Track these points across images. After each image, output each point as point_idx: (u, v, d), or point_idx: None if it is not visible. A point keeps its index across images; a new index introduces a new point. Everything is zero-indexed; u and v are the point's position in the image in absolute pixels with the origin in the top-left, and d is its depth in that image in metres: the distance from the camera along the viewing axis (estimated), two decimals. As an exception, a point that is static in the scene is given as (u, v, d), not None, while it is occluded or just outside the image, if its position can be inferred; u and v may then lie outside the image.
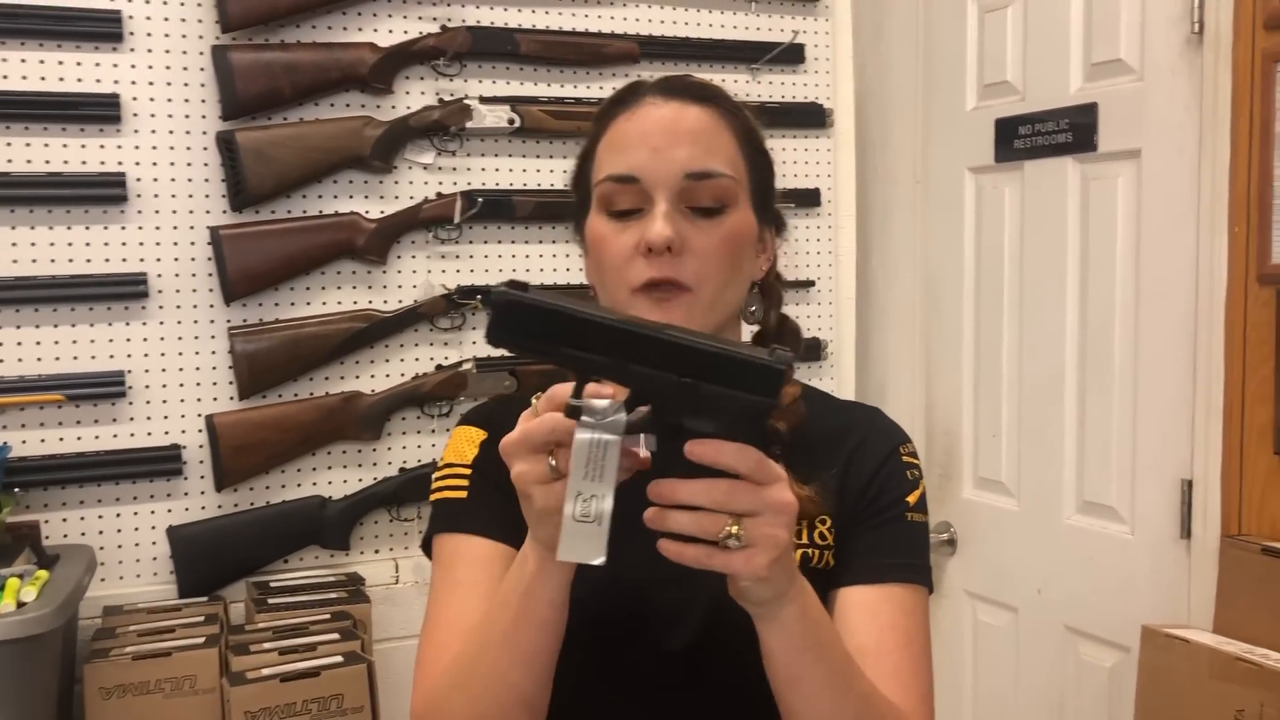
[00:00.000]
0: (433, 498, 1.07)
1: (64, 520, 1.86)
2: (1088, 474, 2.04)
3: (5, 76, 1.82)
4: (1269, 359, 1.71)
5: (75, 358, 1.87)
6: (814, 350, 2.39)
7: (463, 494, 1.04)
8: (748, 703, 0.95)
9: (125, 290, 1.89)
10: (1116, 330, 1.97)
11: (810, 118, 2.39)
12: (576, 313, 0.75)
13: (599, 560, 0.74)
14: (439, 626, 0.99)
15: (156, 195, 1.92)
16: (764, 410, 0.75)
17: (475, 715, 0.90)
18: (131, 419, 1.92)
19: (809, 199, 2.39)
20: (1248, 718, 1.55)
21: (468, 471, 1.06)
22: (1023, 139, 2.15)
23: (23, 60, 1.83)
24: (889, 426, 1.11)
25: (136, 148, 1.90)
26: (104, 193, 1.87)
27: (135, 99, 1.90)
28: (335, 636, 1.71)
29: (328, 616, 1.80)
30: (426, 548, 1.07)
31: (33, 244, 1.85)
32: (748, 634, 0.85)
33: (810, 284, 2.41)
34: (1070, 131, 2.05)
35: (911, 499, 1.06)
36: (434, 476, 1.08)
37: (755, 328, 1.12)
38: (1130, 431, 1.95)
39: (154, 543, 1.92)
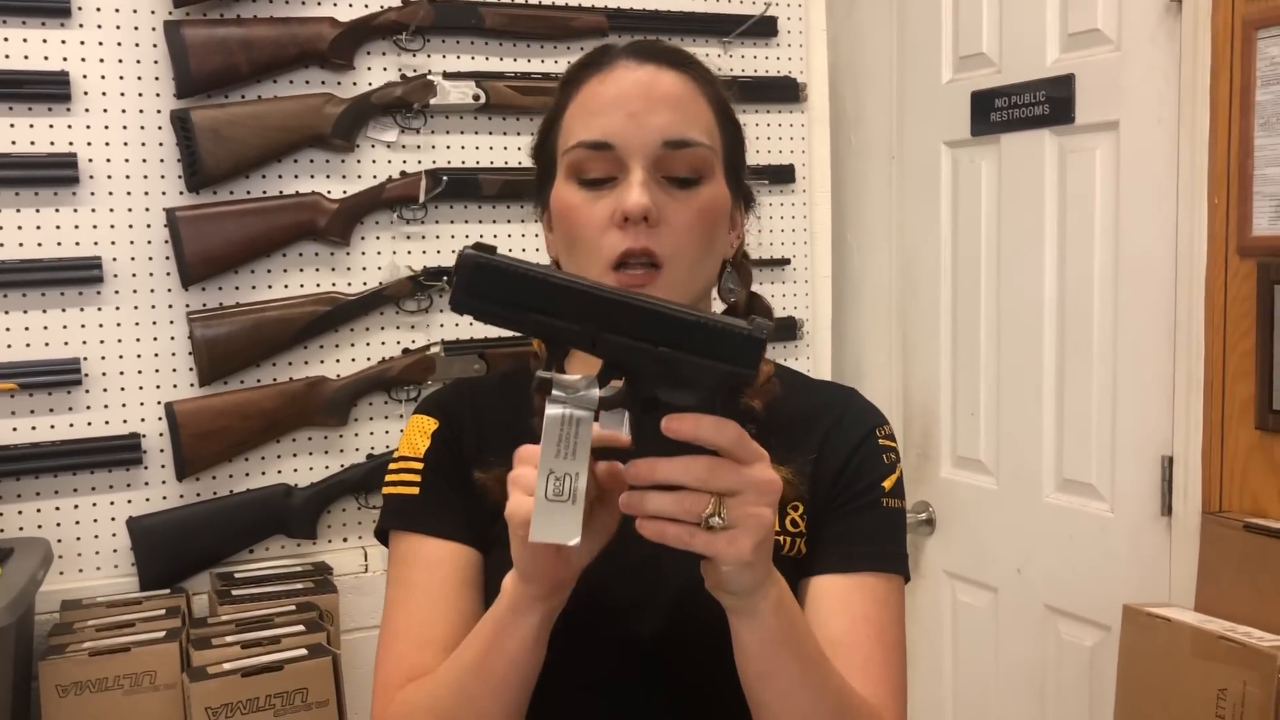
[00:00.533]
0: (384, 491, 1.05)
1: (19, 512, 1.81)
2: (1067, 452, 2.02)
3: (-52, 54, 1.76)
4: (1250, 332, 1.68)
5: (28, 345, 1.81)
6: (789, 329, 2.35)
7: (414, 490, 1.01)
8: (714, 694, 0.91)
9: (79, 275, 1.83)
10: (1095, 305, 1.94)
11: (783, 92, 2.34)
12: (548, 277, 0.71)
13: (574, 541, 0.71)
14: (396, 635, 0.96)
15: (110, 176, 1.86)
16: (743, 382, 0.72)
17: None
18: (88, 407, 1.86)
19: (783, 175, 2.35)
20: (1230, 697, 1.53)
21: (419, 466, 1.03)
22: (999, 112, 2.11)
23: (-34, 37, 1.77)
24: (865, 407, 1.07)
25: (88, 127, 1.84)
26: (54, 174, 1.80)
27: (85, 77, 1.83)
28: (300, 628, 1.67)
29: (293, 608, 1.75)
30: (381, 537, 1.05)
31: (-19, 228, 1.78)
32: (715, 626, 0.82)
33: (785, 262, 2.37)
34: (1047, 104, 2.01)
35: (887, 484, 1.02)
36: (388, 467, 1.05)
37: (724, 306, 1.08)
38: (1110, 408, 1.93)
39: (114, 534, 1.87)
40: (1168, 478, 1.82)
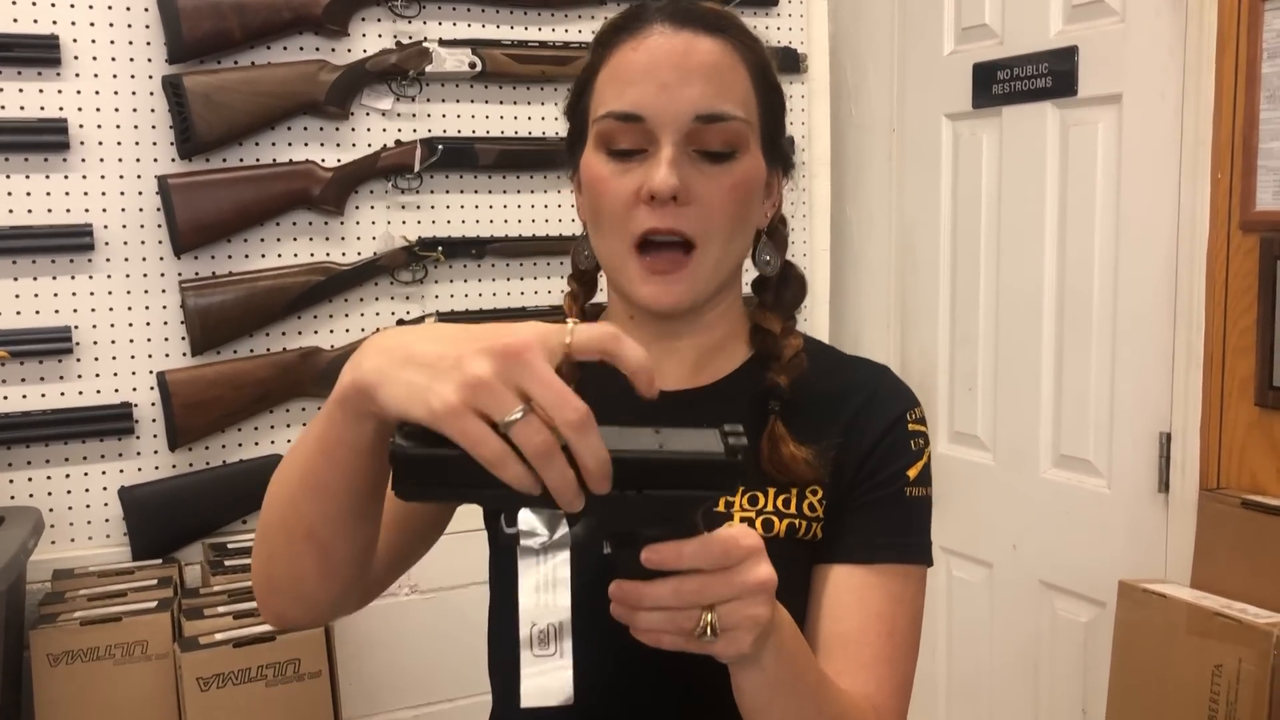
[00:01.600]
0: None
1: (10, 481, 1.79)
2: (1065, 427, 2.01)
3: (-64, 16, 1.73)
4: (1251, 308, 1.67)
5: (19, 313, 1.80)
6: (787, 303, 2.34)
7: None
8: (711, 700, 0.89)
9: (70, 242, 1.81)
10: (1095, 280, 1.93)
11: (784, 63, 2.31)
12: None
13: (566, 699, 0.67)
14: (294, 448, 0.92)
15: (100, 142, 1.83)
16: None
17: (266, 522, 0.83)
18: (80, 376, 1.84)
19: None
20: (1225, 673, 1.53)
21: None
22: (1001, 84, 2.09)
23: (-46, -1, 1.74)
24: (897, 388, 1.02)
25: (78, 92, 1.81)
26: (44, 139, 1.78)
27: (76, 40, 1.81)
28: (293, 599, 1.66)
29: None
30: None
31: (-30, 194, 1.76)
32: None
33: (783, 235, 2.34)
34: (1050, 76, 1.99)
35: (912, 472, 0.98)
36: None
37: (757, 275, 1.04)
38: (1108, 384, 1.91)
39: (105, 504, 1.86)
40: (1165, 454, 1.81)
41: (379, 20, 1.99)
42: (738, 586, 0.69)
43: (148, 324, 1.88)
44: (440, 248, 2.01)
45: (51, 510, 1.82)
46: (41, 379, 1.82)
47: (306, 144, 1.96)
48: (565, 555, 0.68)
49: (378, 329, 2.00)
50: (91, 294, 1.84)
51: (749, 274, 1.02)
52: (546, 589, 0.68)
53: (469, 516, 0.97)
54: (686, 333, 0.98)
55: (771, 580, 0.71)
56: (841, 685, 0.89)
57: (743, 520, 0.93)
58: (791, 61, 2.32)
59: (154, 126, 1.86)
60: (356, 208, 2.00)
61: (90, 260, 1.84)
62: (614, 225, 0.92)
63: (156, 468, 1.89)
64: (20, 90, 1.78)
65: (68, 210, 1.82)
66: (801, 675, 0.81)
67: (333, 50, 1.97)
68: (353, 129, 1.99)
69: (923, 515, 0.98)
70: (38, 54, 1.77)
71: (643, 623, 0.70)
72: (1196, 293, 1.74)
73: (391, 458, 0.64)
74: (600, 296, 1.05)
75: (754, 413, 0.96)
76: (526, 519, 0.68)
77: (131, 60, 1.84)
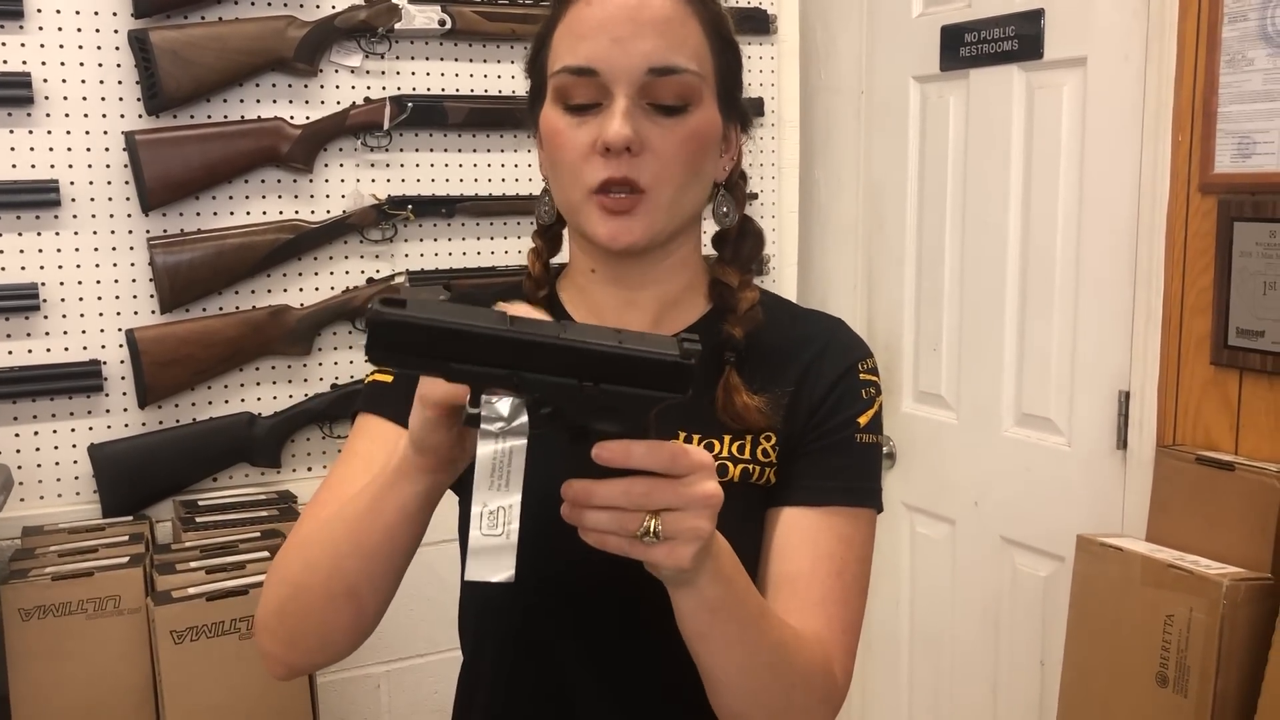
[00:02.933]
0: (367, 379, 1.05)
1: (-22, 439, 1.79)
2: (1027, 386, 2.04)
3: (-105, -33, 1.70)
4: (1209, 269, 1.70)
5: (-16, 269, 1.79)
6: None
7: (389, 378, 1.01)
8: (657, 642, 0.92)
9: (36, 198, 1.79)
10: (1058, 242, 1.96)
11: (753, 24, 2.32)
12: (462, 326, 0.69)
13: (507, 577, 0.70)
14: (325, 487, 0.98)
15: (66, 98, 1.82)
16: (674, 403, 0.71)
17: (302, 582, 0.90)
18: (47, 333, 1.84)
19: (752, 109, 2.33)
20: (1177, 622, 1.57)
21: None
22: (969, 46, 2.11)
23: (-86, -50, 1.71)
24: (850, 340, 1.06)
25: (42, 46, 1.79)
26: (8, 94, 1.76)
27: (39, -7, 1.79)
28: (265, 555, 1.67)
29: (257, 535, 1.75)
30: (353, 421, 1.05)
31: (-67, 148, 1.74)
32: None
33: (753, 196, 2.33)
34: (1016, 39, 2.01)
35: (863, 419, 1.01)
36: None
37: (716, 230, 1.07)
38: (1070, 344, 1.95)
39: (75, 461, 1.86)
40: (1124, 412, 1.85)
41: (348, -24, 1.98)
42: (684, 496, 0.72)
43: (116, 281, 1.87)
44: (410, 206, 2.02)
45: (20, 468, 1.81)
46: (9, 336, 1.81)
47: (275, 101, 1.95)
48: (522, 442, 0.71)
49: (348, 288, 2.01)
50: (59, 250, 1.83)
51: (710, 230, 1.05)
52: (500, 472, 0.71)
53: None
54: (646, 284, 1.01)
55: (717, 496, 0.75)
56: (791, 622, 0.92)
57: None
58: (761, 23, 2.33)
59: (120, 82, 1.85)
60: (325, 165, 2.00)
61: (57, 217, 1.82)
62: (571, 176, 0.94)
63: (126, 425, 1.89)
64: (-17, 43, 1.76)
65: (33, 166, 1.80)
66: (741, 602, 0.83)
67: (301, 6, 1.95)
68: (321, 86, 1.98)
69: (873, 461, 1.02)
70: (1, 6, 1.75)
71: (589, 521, 0.73)
72: (1156, 254, 1.77)
73: (368, 321, 0.68)
74: (563, 257, 1.07)
75: (712, 363, 0.99)
76: (489, 402, 0.70)
77: (96, 14, 1.82)
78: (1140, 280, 1.80)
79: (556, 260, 1.08)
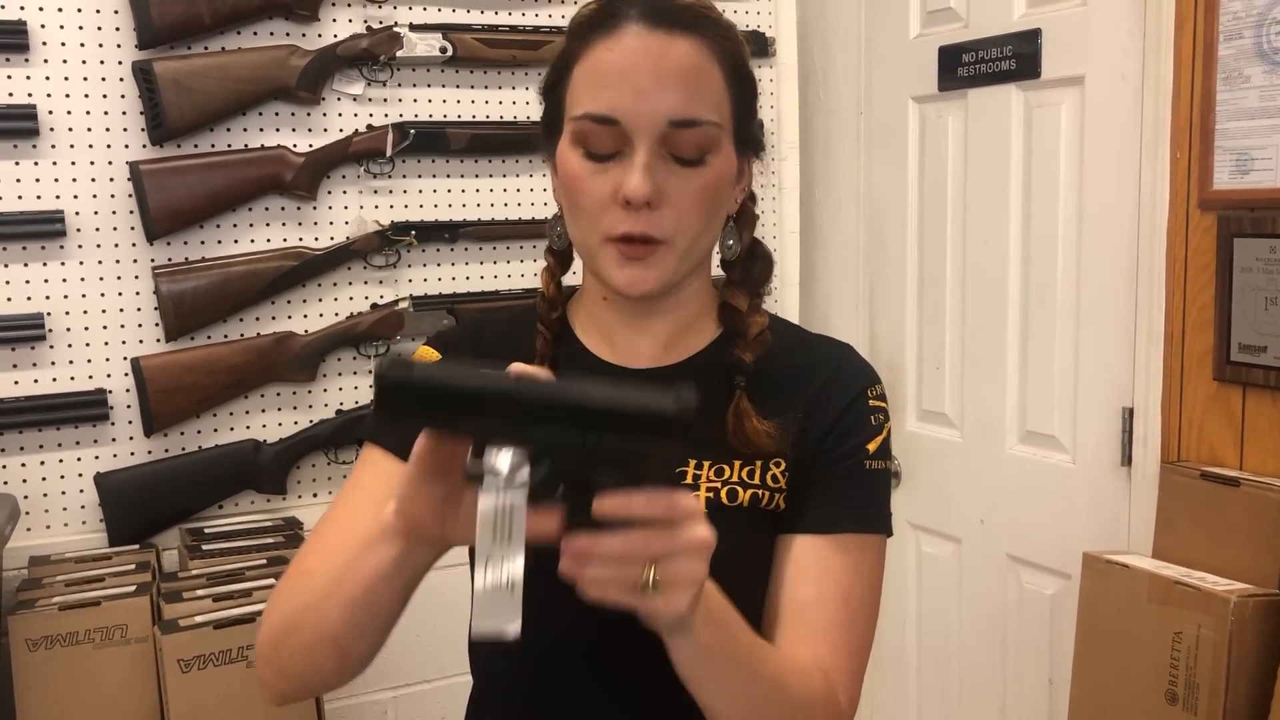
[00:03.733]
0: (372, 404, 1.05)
1: (-16, 469, 1.80)
2: (1030, 404, 2.05)
3: (-98, 2, 1.72)
4: (1209, 285, 1.71)
5: (-10, 300, 1.80)
6: (758, 284, 2.36)
7: None
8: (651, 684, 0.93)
9: (41, 229, 1.80)
10: (1059, 259, 1.97)
11: (752, 47, 2.32)
12: (464, 385, 0.70)
13: (513, 631, 0.71)
14: (327, 522, 0.99)
15: (71, 129, 1.83)
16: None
17: (286, 625, 0.92)
18: (53, 363, 1.84)
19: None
20: (1185, 640, 1.57)
21: None
22: (966, 67, 2.12)
23: (-80, -15, 1.73)
24: (859, 366, 1.05)
25: (47, 78, 1.81)
26: (14, 125, 1.78)
27: (44, 26, 1.80)
28: (271, 581, 1.67)
29: (264, 562, 1.76)
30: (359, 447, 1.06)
31: (-61, 181, 1.76)
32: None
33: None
34: (1014, 59, 2.02)
35: (872, 446, 1.01)
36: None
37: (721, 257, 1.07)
38: (1072, 360, 1.95)
39: (81, 490, 1.86)
40: (1128, 428, 1.85)
41: (349, 5, 2.00)
42: (680, 542, 0.73)
43: (121, 310, 1.88)
44: (413, 232, 2.03)
45: (27, 497, 1.82)
46: (15, 366, 1.82)
47: (278, 129, 1.97)
48: (523, 496, 0.71)
49: (352, 314, 2.01)
50: (64, 280, 1.84)
51: (719, 253, 1.05)
52: (502, 526, 0.71)
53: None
54: (658, 313, 1.01)
55: (711, 541, 0.75)
56: (798, 651, 0.93)
57: (708, 491, 0.97)
58: (760, 46, 2.34)
59: (124, 112, 1.86)
60: (329, 192, 2.01)
61: (62, 247, 1.83)
62: (590, 222, 0.94)
63: (132, 453, 1.89)
64: (-11, 76, 1.77)
65: (38, 197, 1.82)
66: (733, 640, 0.84)
67: (303, 35, 1.97)
68: (324, 114, 2.00)
69: (882, 487, 1.02)
70: (6, 40, 1.77)
71: (591, 576, 0.73)
72: (1156, 270, 1.78)
73: (375, 383, 0.70)
74: (574, 279, 1.08)
75: (722, 388, 0.99)
76: (490, 456, 0.71)
77: (101, 46, 1.84)
78: (1142, 296, 1.81)
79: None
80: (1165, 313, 1.77)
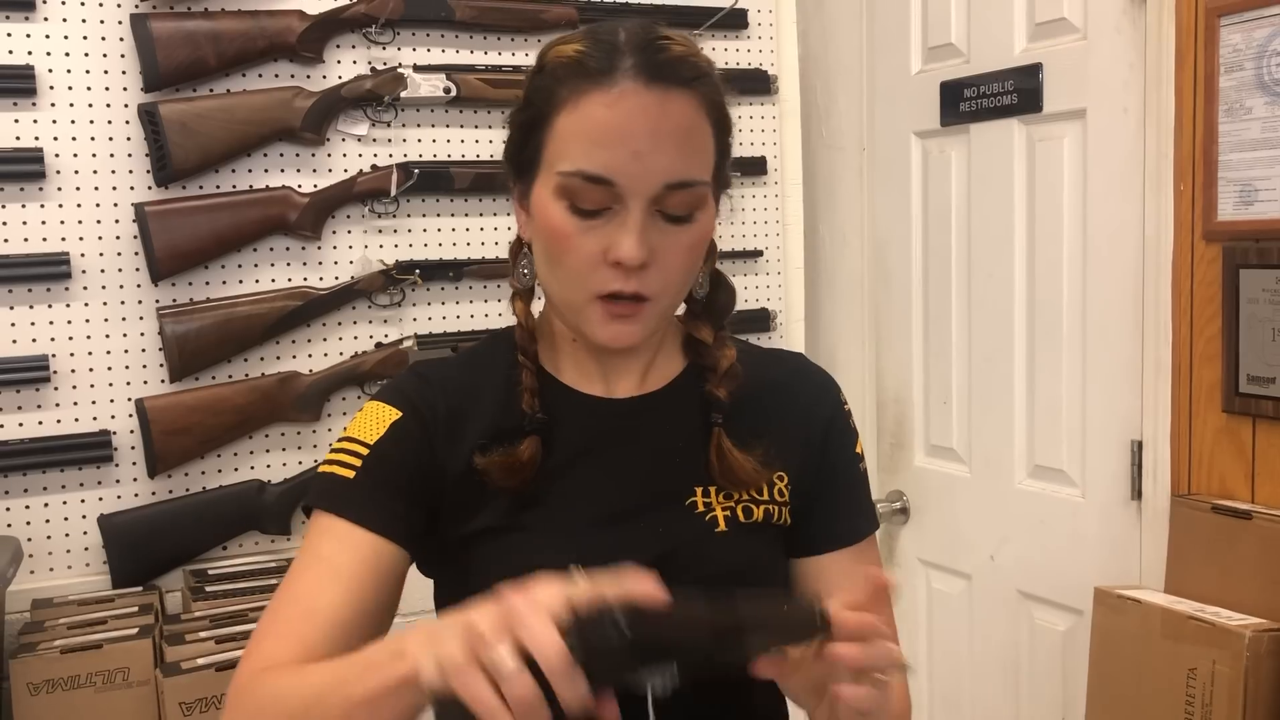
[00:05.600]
0: (320, 468, 0.99)
1: (-12, 511, 1.79)
2: (1038, 438, 2.03)
3: (-90, 48, 1.74)
4: (1216, 317, 1.70)
5: (-5, 342, 1.80)
6: (763, 320, 2.36)
7: (350, 473, 0.95)
8: None
9: (47, 271, 1.81)
10: (1065, 293, 1.96)
11: (754, 84, 2.35)
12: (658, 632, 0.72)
13: None
14: (287, 601, 0.91)
15: (77, 171, 1.84)
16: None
17: None
18: (58, 404, 1.84)
19: (755, 167, 2.36)
20: (1200, 676, 1.55)
21: (365, 452, 0.96)
22: (968, 101, 2.13)
23: (-71, 31, 1.75)
24: (823, 377, 1.11)
25: (54, 121, 1.83)
26: (21, 169, 1.79)
27: (51, 70, 1.82)
28: (275, 623, 1.66)
29: (267, 604, 1.74)
30: (307, 512, 0.98)
31: (-54, 224, 1.77)
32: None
33: (758, 254, 2.37)
34: (1015, 93, 2.03)
35: (858, 449, 1.08)
36: (332, 444, 1.00)
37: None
38: (1080, 394, 1.94)
39: (85, 532, 1.85)
40: (1137, 462, 1.83)
41: (354, 47, 2.01)
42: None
43: (126, 351, 1.88)
44: (418, 270, 2.03)
45: (30, 540, 1.81)
46: (19, 408, 1.82)
47: (283, 170, 1.98)
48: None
49: (356, 353, 2.01)
50: (69, 322, 1.85)
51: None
52: None
53: (451, 531, 0.98)
54: (629, 352, 1.01)
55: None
56: None
57: (724, 512, 0.99)
58: (762, 83, 2.36)
59: (130, 155, 1.87)
60: (334, 232, 2.02)
61: (67, 289, 1.84)
62: (576, 280, 0.93)
63: (136, 495, 1.89)
64: (-4, 120, 1.79)
65: (44, 239, 1.83)
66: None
67: (308, 77, 1.98)
68: (329, 155, 2.01)
69: (868, 484, 1.10)
70: (14, 84, 1.78)
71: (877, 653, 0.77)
72: (1163, 303, 1.77)
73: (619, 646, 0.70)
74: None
75: (699, 423, 1.01)
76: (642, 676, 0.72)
77: (107, 89, 1.86)
78: (1148, 329, 1.80)
79: None
80: (1172, 345, 1.76)
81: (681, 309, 1.07)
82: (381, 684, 0.76)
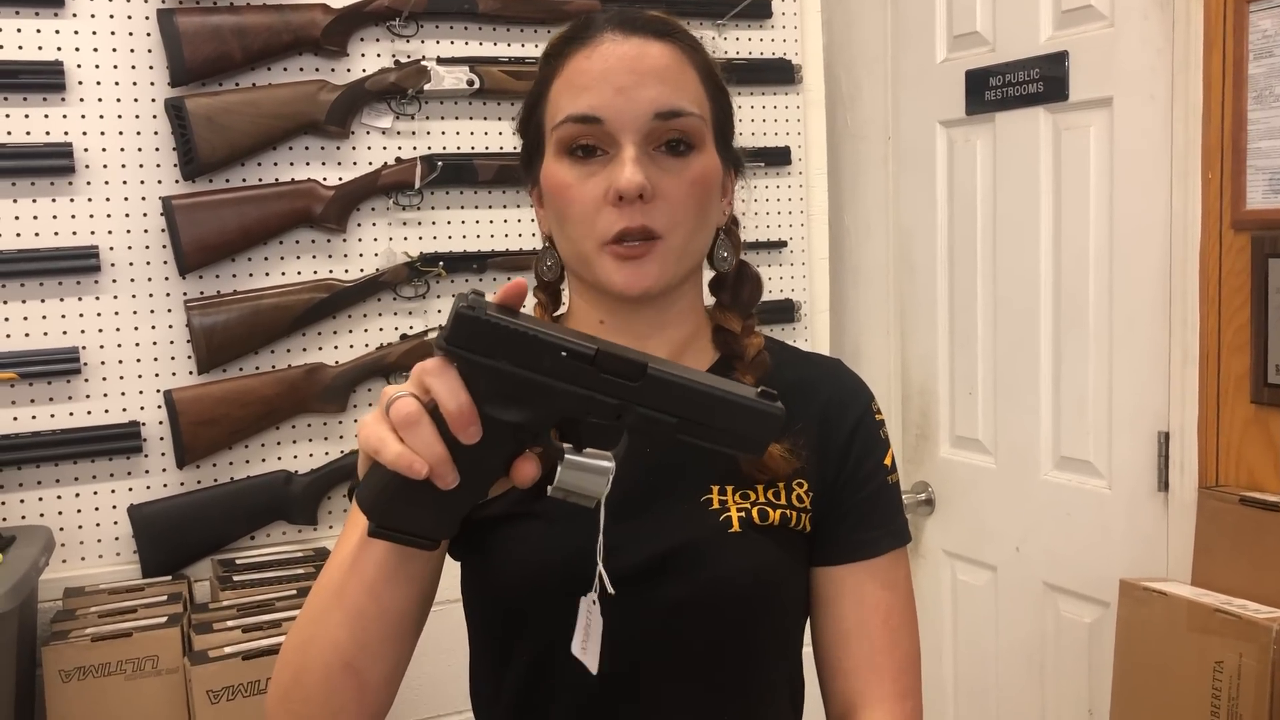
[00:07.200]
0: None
1: (21, 501, 1.82)
2: (1064, 429, 2.02)
3: (-58, 45, 1.76)
4: (1244, 306, 1.68)
5: (27, 334, 1.82)
6: (787, 311, 2.36)
7: None
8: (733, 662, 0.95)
9: (76, 264, 1.83)
10: (1091, 282, 1.95)
11: (778, 74, 2.34)
12: (556, 340, 0.72)
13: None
14: (330, 565, 0.95)
15: (105, 166, 1.86)
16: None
17: (299, 663, 0.87)
18: (88, 396, 1.87)
19: (779, 157, 2.35)
20: (1227, 669, 1.54)
21: None
22: (994, 90, 2.11)
23: (-40, 28, 1.77)
24: (855, 382, 1.08)
25: (83, 117, 1.84)
26: (50, 164, 1.81)
27: (80, 66, 1.84)
28: (301, 612, 1.68)
29: (294, 593, 1.76)
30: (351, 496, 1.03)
31: (-22, 218, 1.79)
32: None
33: (782, 244, 2.37)
34: (1041, 81, 2.01)
35: (888, 460, 1.04)
36: None
37: (714, 274, 1.08)
38: (1106, 385, 1.93)
39: (115, 522, 1.88)
40: (1164, 453, 1.82)
41: (377, 40, 2.02)
42: None
43: (154, 343, 1.90)
44: (442, 263, 2.04)
45: (62, 529, 1.84)
46: (50, 400, 1.84)
47: (308, 163, 1.99)
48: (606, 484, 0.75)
49: (381, 345, 2.03)
50: (98, 315, 1.87)
51: (711, 269, 1.06)
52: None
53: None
54: (654, 332, 1.01)
55: None
56: (847, 685, 0.99)
57: (739, 512, 0.97)
58: (786, 73, 2.34)
59: (157, 149, 1.89)
60: (358, 225, 2.03)
61: (97, 282, 1.86)
62: (584, 228, 0.94)
63: (165, 485, 1.91)
64: (26, 116, 1.81)
65: (74, 233, 1.85)
66: None
67: (332, 70, 1.99)
68: (353, 147, 2.02)
69: (899, 497, 1.06)
70: (43, 80, 1.80)
71: None
72: (1190, 292, 1.75)
73: (454, 312, 0.71)
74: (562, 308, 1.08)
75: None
76: (564, 481, 0.74)
77: (134, 84, 1.87)
78: (1175, 319, 1.78)
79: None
80: (1200, 335, 1.75)
81: (710, 300, 1.07)
82: (347, 546, 0.83)
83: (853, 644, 0.98)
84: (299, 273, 1.99)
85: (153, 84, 1.88)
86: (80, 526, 1.86)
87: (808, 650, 1.05)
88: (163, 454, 1.91)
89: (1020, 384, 2.10)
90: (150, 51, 1.88)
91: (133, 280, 1.89)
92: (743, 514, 0.97)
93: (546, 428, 0.74)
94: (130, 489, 1.89)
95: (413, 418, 0.72)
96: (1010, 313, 2.12)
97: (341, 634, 0.84)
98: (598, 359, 0.72)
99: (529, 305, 0.80)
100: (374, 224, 2.04)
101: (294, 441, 2.00)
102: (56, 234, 1.84)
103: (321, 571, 0.94)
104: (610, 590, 0.84)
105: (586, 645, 0.84)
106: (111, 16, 1.85)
